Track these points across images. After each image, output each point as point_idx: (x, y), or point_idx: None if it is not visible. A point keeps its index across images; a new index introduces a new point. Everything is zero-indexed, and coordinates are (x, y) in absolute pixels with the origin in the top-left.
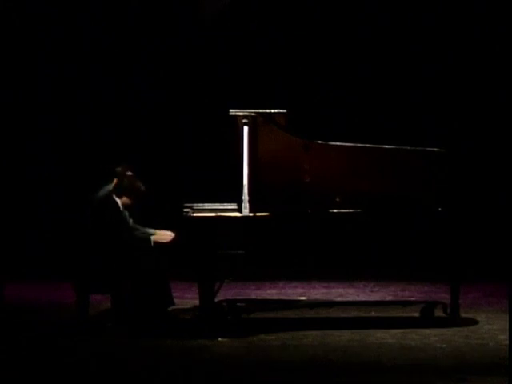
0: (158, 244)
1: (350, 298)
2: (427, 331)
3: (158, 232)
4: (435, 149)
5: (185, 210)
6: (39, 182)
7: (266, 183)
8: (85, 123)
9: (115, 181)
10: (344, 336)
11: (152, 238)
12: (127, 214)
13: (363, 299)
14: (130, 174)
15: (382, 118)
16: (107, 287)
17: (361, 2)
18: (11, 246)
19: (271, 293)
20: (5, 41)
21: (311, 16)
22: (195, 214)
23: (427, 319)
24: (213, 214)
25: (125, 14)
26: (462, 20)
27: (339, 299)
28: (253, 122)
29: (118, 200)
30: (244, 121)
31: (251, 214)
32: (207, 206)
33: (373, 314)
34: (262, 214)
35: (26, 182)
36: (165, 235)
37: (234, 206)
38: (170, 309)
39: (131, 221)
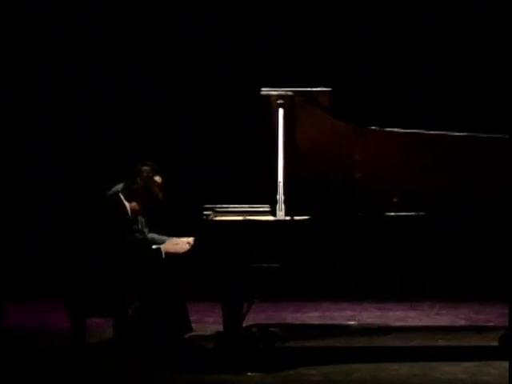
0: (171, 256)
1: (411, 323)
2: (507, 364)
3: (170, 241)
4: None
5: (205, 212)
6: (39, 182)
7: (307, 179)
8: (85, 123)
9: (134, 180)
10: (403, 370)
11: (163, 248)
12: (143, 220)
13: (427, 324)
14: (153, 176)
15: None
16: (108, 309)
17: None
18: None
19: (312, 316)
20: (5, 41)
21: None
22: (218, 218)
23: (508, 349)
24: (240, 218)
25: (125, 14)
26: None
27: (397, 324)
28: (290, 103)
29: (127, 203)
30: (279, 101)
31: (288, 218)
32: (233, 207)
33: (439, 342)
34: (302, 217)
35: (25, 182)
36: (180, 244)
37: (265, 207)
38: (186, 336)
39: (147, 230)
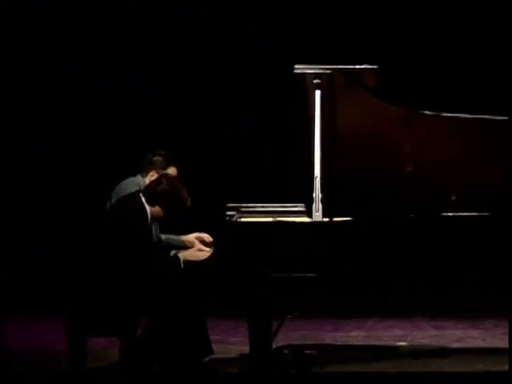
0: (189, 264)
1: (473, 344)
2: None
3: (189, 246)
4: None
5: (228, 213)
6: (39, 182)
7: (348, 174)
8: (85, 123)
9: (150, 179)
10: None
11: (181, 256)
12: (156, 227)
13: (492, 345)
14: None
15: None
16: (113, 327)
17: None
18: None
19: (356, 335)
20: (5, 40)
21: None
22: (243, 219)
23: None
24: (269, 219)
25: (125, 14)
26: None
27: (456, 345)
28: (329, 84)
29: (148, 207)
30: (316, 81)
31: (326, 220)
32: (260, 207)
33: (506, 368)
34: (343, 219)
35: (26, 182)
36: (198, 252)
37: (300, 207)
38: (206, 359)
39: (163, 237)
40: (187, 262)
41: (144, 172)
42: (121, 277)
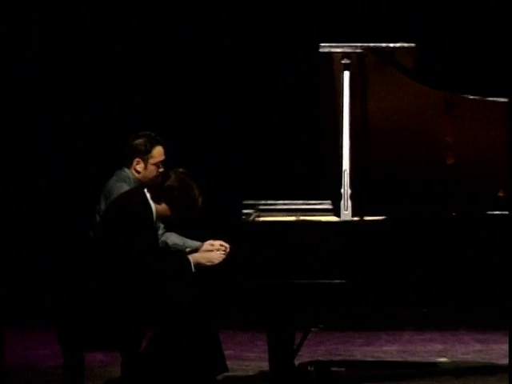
0: (201, 269)
1: None
2: None
3: (200, 248)
4: None
5: (244, 211)
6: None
7: (382, 167)
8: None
9: (136, 168)
10: None
11: (192, 259)
12: (160, 225)
13: None
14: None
15: None
16: (114, 341)
17: None
18: None
19: (389, 350)
20: (5, 40)
21: None
22: (262, 219)
23: None
24: (292, 219)
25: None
26: None
27: (504, 362)
28: (359, 64)
29: (153, 204)
30: (344, 62)
31: (356, 219)
32: (282, 204)
33: None
34: (375, 218)
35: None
36: (212, 254)
37: (326, 204)
38: (219, 377)
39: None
40: (199, 266)
41: (128, 162)
42: (122, 283)
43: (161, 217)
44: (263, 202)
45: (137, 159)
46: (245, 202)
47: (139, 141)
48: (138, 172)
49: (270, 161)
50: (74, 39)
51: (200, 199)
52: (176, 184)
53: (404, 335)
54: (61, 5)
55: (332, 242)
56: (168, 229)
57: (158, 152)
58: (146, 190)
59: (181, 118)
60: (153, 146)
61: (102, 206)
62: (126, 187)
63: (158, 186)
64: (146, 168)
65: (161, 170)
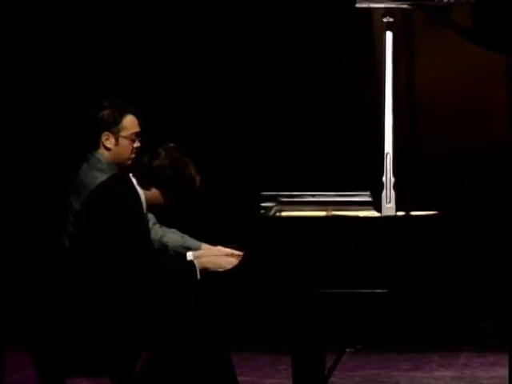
0: (208, 274)
1: None
2: None
3: (208, 251)
4: None
5: (263, 204)
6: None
7: (433, 149)
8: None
9: (107, 145)
10: None
11: (197, 263)
12: (152, 219)
13: None
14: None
15: None
16: (102, 364)
17: None
18: None
19: (442, 376)
20: (5, 39)
21: None
22: (285, 214)
23: None
24: (321, 214)
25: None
26: None
27: None
28: (405, 23)
29: (141, 191)
30: (387, 20)
31: (401, 214)
32: (309, 195)
33: None
34: (425, 212)
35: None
36: (223, 258)
37: (364, 196)
38: None
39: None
40: (205, 272)
41: (96, 140)
42: (110, 295)
43: (152, 206)
44: (286, 193)
45: (105, 134)
46: (263, 194)
47: (105, 112)
48: (109, 149)
49: (293, 144)
50: (74, 39)
51: (198, 178)
52: (167, 162)
53: (460, 358)
54: (61, 5)
55: (371, 243)
56: (163, 223)
57: (130, 122)
58: (131, 175)
59: (189, 106)
60: (122, 115)
61: (75, 204)
62: (100, 176)
63: (144, 168)
64: (117, 143)
65: (136, 145)
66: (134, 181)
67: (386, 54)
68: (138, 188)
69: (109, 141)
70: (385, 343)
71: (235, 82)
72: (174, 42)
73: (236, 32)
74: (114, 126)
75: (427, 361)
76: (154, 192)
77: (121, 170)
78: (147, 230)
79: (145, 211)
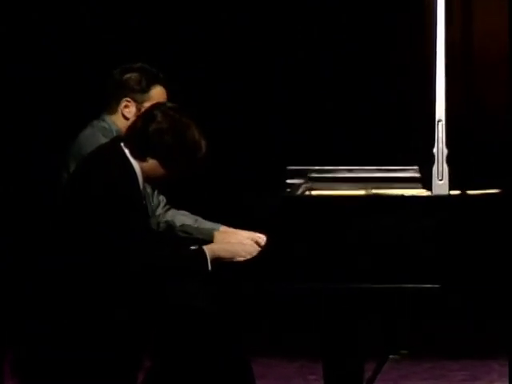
0: (222, 265)
1: None
2: None
3: (222, 235)
4: None
5: (289, 181)
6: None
7: (492, 114)
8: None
9: (125, 113)
10: None
11: (209, 250)
12: (156, 195)
13: None
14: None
15: None
16: (97, 374)
17: None
18: None
19: None
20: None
21: None
22: (316, 193)
23: None
24: (360, 193)
25: None
26: None
27: None
28: None
29: (137, 164)
30: None
31: (456, 193)
32: (345, 171)
33: None
34: (484, 191)
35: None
36: (240, 246)
37: (410, 171)
38: None
39: (161, 212)
40: (218, 262)
41: (112, 105)
42: (102, 291)
43: (149, 180)
44: (317, 167)
45: (126, 99)
46: (290, 168)
47: (133, 75)
48: (127, 118)
49: (326, 110)
50: (74, 39)
51: (203, 143)
52: (165, 125)
53: None
54: (61, 5)
55: (420, 228)
56: (173, 204)
57: (159, 93)
58: (122, 145)
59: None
60: (152, 83)
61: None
62: (103, 141)
63: (138, 135)
64: (137, 114)
65: None
66: (127, 151)
67: (436, 13)
68: (132, 160)
69: (128, 109)
70: (436, 348)
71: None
72: (174, 42)
73: (236, 31)
74: (139, 93)
75: (486, 370)
76: (151, 163)
77: (112, 139)
78: (145, 212)
79: (141, 187)
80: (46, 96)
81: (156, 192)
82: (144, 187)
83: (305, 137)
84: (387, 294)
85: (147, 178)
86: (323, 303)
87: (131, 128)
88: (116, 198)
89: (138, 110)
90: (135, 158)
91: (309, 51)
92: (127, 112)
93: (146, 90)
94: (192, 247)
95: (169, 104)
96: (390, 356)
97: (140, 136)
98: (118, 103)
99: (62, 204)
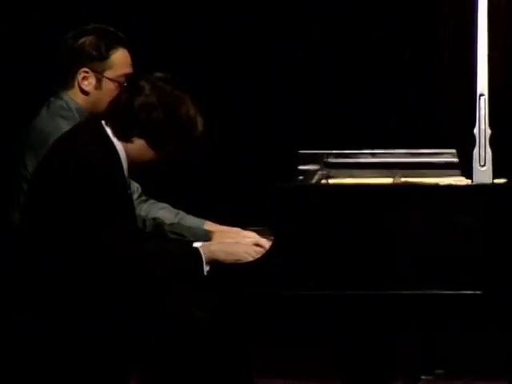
0: (222, 268)
1: None
2: None
3: (220, 234)
4: None
5: (302, 167)
6: None
7: None
8: None
9: (84, 85)
10: None
11: (204, 250)
12: (137, 191)
13: None
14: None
15: None
16: None
17: None
18: None
19: None
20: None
21: None
22: (334, 181)
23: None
24: (387, 181)
25: None
26: None
27: None
28: None
29: (120, 145)
30: None
31: (501, 181)
32: (368, 155)
33: None
34: None
35: None
36: (241, 246)
37: (446, 155)
38: None
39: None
40: (217, 265)
41: (67, 78)
42: (81, 298)
43: (135, 165)
44: (334, 151)
45: (83, 70)
46: (302, 152)
47: (88, 39)
48: (86, 92)
49: (344, 84)
50: None
51: (199, 120)
52: (154, 99)
53: None
54: (61, 5)
55: (458, 223)
56: (151, 194)
57: (121, 58)
58: (104, 123)
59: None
60: (111, 47)
61: (30, 165)
62: (67, 126)
63: (122, 111)
64: (99, 87)
65: None
66: (109, 131)
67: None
68: (115, 140)
69: (87, 81)
70: (475, 367)
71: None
72: (174, 42)
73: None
74: (97, 60)
75: None
76: (138, 144)
77: (90, 116)
78: (131, 203)
79: (126, 173)
80: (46, 96)
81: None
82: (129, 175)
83: (320, 114)
84: (419, 301)
85: (132, 162)
86: (342, 313)
87: (114, 103)
88: (97, 187)
89: (99, 80)
90: (119, 138)
91: (329, 17)
92: (86, 85)
93: (105, 55)
94: (183, 245)
95: (159, 74)
96: (423, 377)
97: (124, 112)
98: (73, 75)
99: (30, 202)
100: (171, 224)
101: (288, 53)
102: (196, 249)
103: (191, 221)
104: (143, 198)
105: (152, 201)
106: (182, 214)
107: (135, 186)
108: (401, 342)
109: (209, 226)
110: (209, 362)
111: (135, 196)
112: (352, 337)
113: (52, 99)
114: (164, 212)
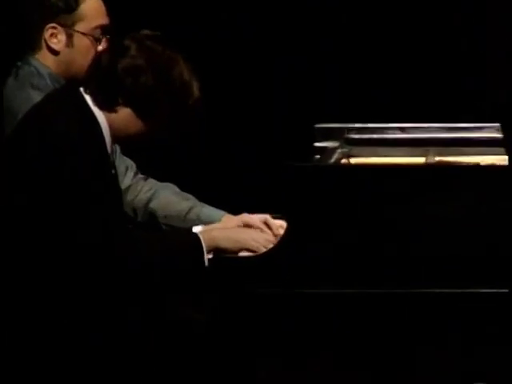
0: (226, 261)
1: None
2: None
3: (227, 220)
4: None
5: (318, 145)
6: None
7: None
8: None
9: (54, 43)
10: None
11: (204, 237)
12: (131, 168)
13: None
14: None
15: None
16: None
17: None
18: None
19: None
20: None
21: None
22: (355, 160)
23: None
24: (419, 160)
25: None
26: None
27: None
28: None
29: (101, 115)
30: None
31: None
32: (396, 130)
33: None
34: None
35: None
36: (250, 233)
37: (486, 130)
38: None
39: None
40: (218, 253)
41: (34, 38)
42: (64, 298)
43: (119, 138)
44: (357, 125)
45: (50, 26)
46: (319, 127)
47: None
48: (56, 52)
49: (367, 49)
50: None
51: (195, 84)
52: (141, 61)
53: None
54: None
55: (502, 210)
56: (146, 172)
57: (93, 8)
58: (83, 90)
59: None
60: None
61: None
62: (38, 96)
63: (104, 75)
64: (70, 44)
65: (101, 47)
66: (89, 99)
67: None
68: (96, 110)
69: (56, 38)
70: None
71: None
72: (174, 41)
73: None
74: (65, 12)
75: None
76: (123, 114)
77: (67, 83)
78: (115, 185)
79: (109, 149)
80: None
81: (119, 152)
82: (112, 150)
83: (339, 82)
84: (456, 301)
85: (116, 135)
86: (362, 315)
87: (94, 66)
88: (73, 166)
89: (70, 37)
90: (100, 107)
91: None
92: (55, 43)
93: (74, 6)
94: (180, 230)
95: (146, 31)
96: None
97: (107, 77)
98: (40, 34)
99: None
100: (178, 216)
101: (306, 16)
102: (195, 234)
103: (205, 210)
104: (140, 175)
105: (150, 179)
106: (192, 199)
107: (129, 164)
108: (434, 349)
109: (227, 218)
110: (208, 363)
111: (131, 174)
112: (378, 344)
113: (20, 65)
114: (167, 194)
